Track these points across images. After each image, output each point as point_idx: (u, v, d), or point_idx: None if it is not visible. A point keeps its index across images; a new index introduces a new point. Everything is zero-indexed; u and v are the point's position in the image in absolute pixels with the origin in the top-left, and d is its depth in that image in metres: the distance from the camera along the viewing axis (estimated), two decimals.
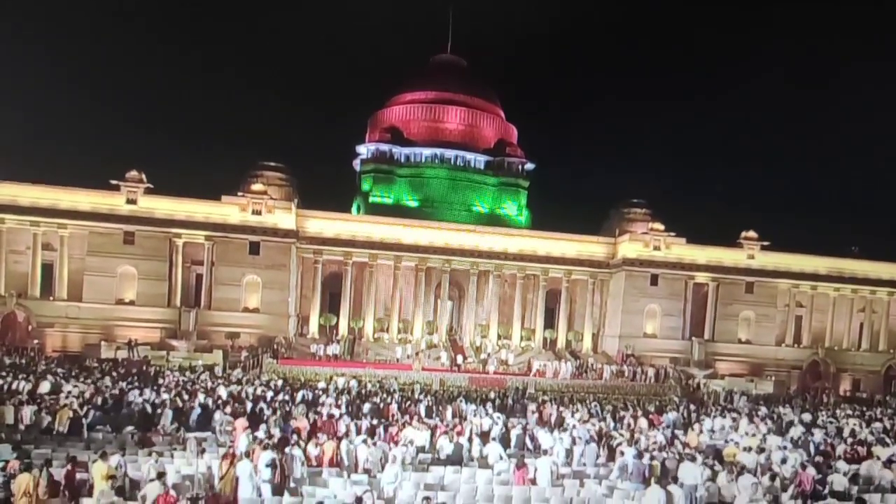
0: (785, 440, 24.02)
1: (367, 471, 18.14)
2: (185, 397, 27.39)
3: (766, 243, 59.81)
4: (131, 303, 50.90)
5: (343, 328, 56.48)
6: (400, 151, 69.56)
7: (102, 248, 50.27)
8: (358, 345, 54.36)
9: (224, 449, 18.52)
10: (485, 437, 22.18)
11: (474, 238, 58.68)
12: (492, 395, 36.84)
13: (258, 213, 52.96)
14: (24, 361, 40.52)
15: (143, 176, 51.23)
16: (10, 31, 75.94)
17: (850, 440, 24.56)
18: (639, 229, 60.06)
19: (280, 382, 36.20)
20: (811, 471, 17.69)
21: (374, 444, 19.41)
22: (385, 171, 68.83)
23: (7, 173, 49.19)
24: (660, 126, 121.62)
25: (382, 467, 17.75)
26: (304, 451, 18.14)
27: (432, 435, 21.99)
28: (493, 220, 66.73)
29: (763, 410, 35.09)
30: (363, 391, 34.89)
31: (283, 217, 53.67)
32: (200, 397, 26.96)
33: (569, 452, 20.97)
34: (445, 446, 20.51)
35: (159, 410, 24.35)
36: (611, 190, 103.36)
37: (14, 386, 28.33)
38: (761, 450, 20.40)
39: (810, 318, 62.63)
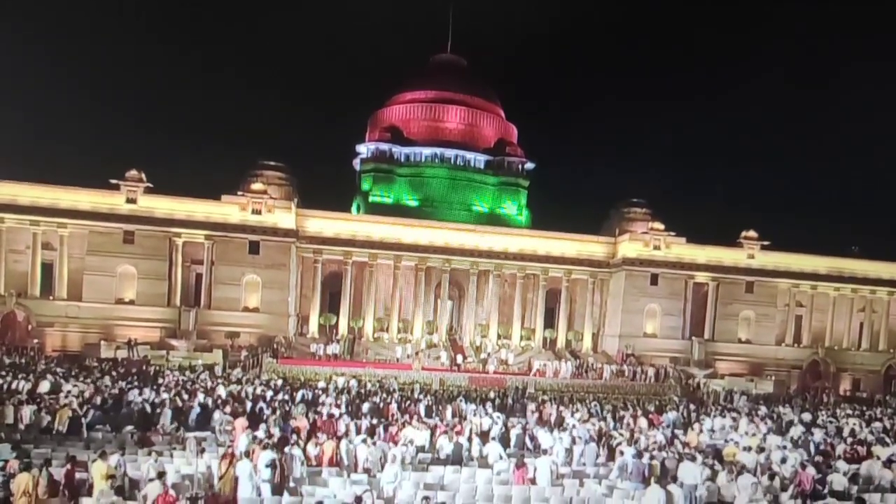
0: (785, 440, 24.03)
1: (366, 470, 18.14)
2: (185, 397, 27.41)
3: (766, 243, 59.81)
4: (131, 302, 50.92)
5: (343, 328, 56.47)
6: (400, 151, 69.54)
7: (102, 248, 50.28)
8: (358, 344, 54.34)
9: (224, 448, 18.50)
10: (484, 436, 22.21)
11: (474, 238, 58.66)
12: (491, 394, 36.84)
13: (258, 212, 52.96)
14: (23, 361, 40.52)
15: (143, 175, 51.24)
16: (10, 31, 75.75)
17: (849, 440, 24.56)
18: (639, 229, 60.02)
19: (280, 382, 36.23)
20: (811, 470, 17.67)
21: (374, 443, 19.39)
22: (385, 171, 68.81)
23: (7, 173, 49.19)
24: (660, 126, 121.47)
25: (382, 467, 17.74)
26: (304, 450, 18.16)
27: (432, 434, 22.00)
28: (493, 220, 66.70)
29: (763, 410, 35.10)
30: (363, 391, 34.86)
31: (283, 216, 53.68)
32: (200, 397, 26.99)
33: (568, 452, 20.94)
34: (445, 446, 20.51)
35: (159, 410, 24.34)
36: (611, 190, 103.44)
37: (14, 385, 28.36)
38: (761, 449, 20.40)
39: (810, 317, 62.65)
